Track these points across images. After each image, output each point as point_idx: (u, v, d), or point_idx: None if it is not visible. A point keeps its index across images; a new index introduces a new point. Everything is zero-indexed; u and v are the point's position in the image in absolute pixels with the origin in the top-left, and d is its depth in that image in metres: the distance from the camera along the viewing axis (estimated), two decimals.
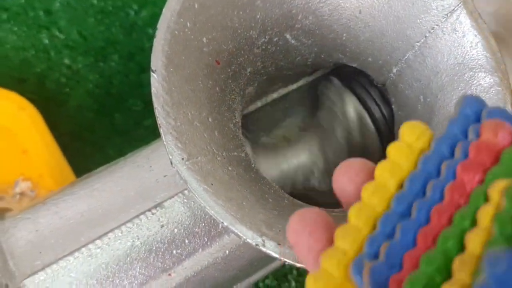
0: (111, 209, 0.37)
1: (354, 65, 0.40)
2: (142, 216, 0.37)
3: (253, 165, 0.35)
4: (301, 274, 0.57)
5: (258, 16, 0.35)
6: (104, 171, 0.39)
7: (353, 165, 0.21)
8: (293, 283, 0.56)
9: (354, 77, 0.44)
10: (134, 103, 0.65)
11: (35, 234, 0.37)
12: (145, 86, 0.65)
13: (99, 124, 0.64)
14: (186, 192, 0.37)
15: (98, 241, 0.36)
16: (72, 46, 0.65)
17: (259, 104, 0.46)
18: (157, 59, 0.31)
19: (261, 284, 0.56)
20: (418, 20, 0.35)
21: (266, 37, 0.36)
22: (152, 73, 0.31)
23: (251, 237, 0.29)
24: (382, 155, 0.21)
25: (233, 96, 0.36)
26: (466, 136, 0.20)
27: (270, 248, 0.29)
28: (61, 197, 0.38)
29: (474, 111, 0.20)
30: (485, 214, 0.17)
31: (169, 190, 0.37)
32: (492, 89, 0.32)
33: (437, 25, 0.34)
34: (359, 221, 0.19)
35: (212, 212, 0.29)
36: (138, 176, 0.38)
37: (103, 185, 0.37)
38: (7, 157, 0.59)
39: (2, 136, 0.59)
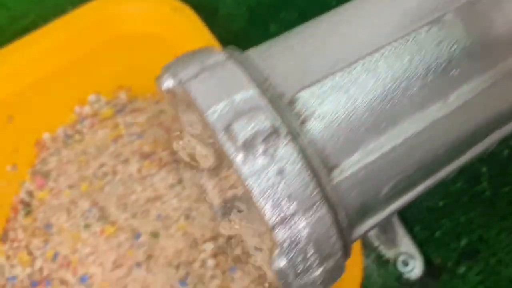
0: (385, 25, 0.34)
1: None
2: (419, 31, 0.33)
3: None
4: None
5: None
6: None
7: None
8: None
9: None
10: (288, 14, 0.62)
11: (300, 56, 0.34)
12: None
13: (253, 33, 0.61)
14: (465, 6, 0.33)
15: (371, 56, 0.33)
16: None
17: None
18: None
19: None
20: None
21: None
22: None
23: None
24: None
25: None
26: None
27: None
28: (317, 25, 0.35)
29: None
30: None
31: (447, 5, 0.33)
32: None
33: None
34: None
35: None
36: None
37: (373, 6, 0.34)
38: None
39: (155, 44, 0.56)
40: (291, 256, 0.31)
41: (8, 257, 0.48)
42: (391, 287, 0.48)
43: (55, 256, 0.48)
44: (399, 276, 0.48)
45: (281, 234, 0.31)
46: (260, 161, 0.30)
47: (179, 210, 0.45)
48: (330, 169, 0.32)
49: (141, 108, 0.52)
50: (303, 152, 0.30)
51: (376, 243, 0.49)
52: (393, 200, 0.36)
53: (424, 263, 0.48)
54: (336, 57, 0.33)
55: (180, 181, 0.46)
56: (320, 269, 0.33)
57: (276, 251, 0.32)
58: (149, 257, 0.44)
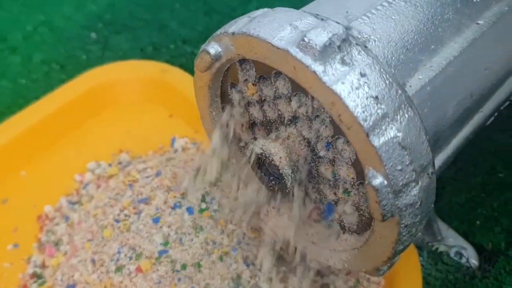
0: None
1: None
2: None
3: None
4: None
5: None
6: None
7: None
8: None
9: None
10: None
11: None
12: None
13: None
14: None
15: None
16: None
17: None
18: None
19: None
20: None
21: None
22: None
23: None
24: None
25: None
26: None
27: None
28: None
29: None
30: None
31: None
32: None
33: None
34: None
35: None
36: None
37: None
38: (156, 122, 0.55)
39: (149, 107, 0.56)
40: (390, 164, 0.29)
41: None
42: (453, 279, 0.45)
43: None
44: (459, 268, 0.45)
45: (376, 140, 0.29)
46: (341, 67, 0.30)
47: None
48: (401, 85, 0.32)
49: (148, 159, 0.50)
50: (376, 59, 0.31)
51: (426, 239, 0.46)
52: (458, 126, 0.36)
53: (476, 252, 0.46)
54: None
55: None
56: (417, 187, 0.31)
57: (370, 170, 0.30)
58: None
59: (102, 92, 0.55)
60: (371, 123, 0.29)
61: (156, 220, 0.42)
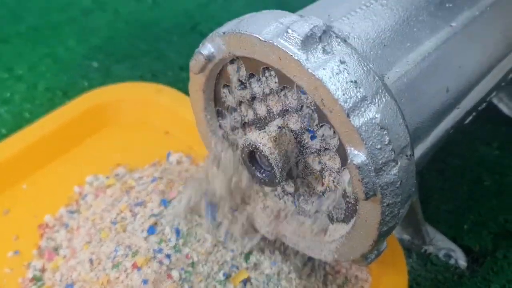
0: None
1: None
2: None
3: None
4: None
5: None
6: None
7: None
8: None
9: None
10: None
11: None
12: None
13: None
14: None
15: None
16: None
17: None
18: None
19: None
20: None
21: None
22: None
23: None
24: None
25: None
26: None
27: None
28: None
29: None
30: None
31: None
32: None
33: None
34: None
35: None
36: None
37: None
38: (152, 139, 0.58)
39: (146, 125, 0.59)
40: (370, 143, 0.32)
41: None
42: (443, 279, 0.46)
43: None
44: (447, 268, 0.46)
45: (356, 120, 0.32)
46: (322, 56, 0.32)
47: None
48: (380, 77, 0.34)
49: (145, 171, 0.52)
50: (355, 50, 0.33)
51: (415, 242, 0.47)
52: (436, 119, 0.38)
53: (464, 253, 0.47)
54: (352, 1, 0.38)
55: None
56: (397, 167, 0.33)
57: (352, 150, 0.32)
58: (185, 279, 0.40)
59: (101, 112, 0.57)
60: (351, 105, 0.32)
61: (152, 220, 0.43)
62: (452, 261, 0.47)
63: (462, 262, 0.47)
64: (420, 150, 0.38)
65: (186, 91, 0.60)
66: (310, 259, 0.44)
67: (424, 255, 0.47)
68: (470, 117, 0.42)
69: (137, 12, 0.79)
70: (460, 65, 0.39)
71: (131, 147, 0.56)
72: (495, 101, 0.60)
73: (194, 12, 0.78)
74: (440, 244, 0.48)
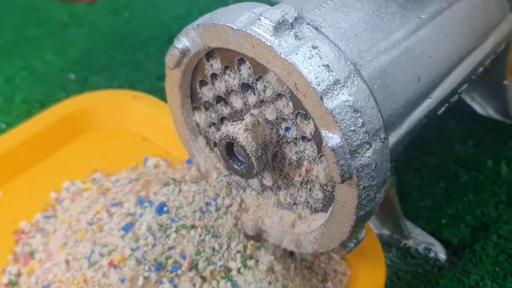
0: None
1: None
2: None
3: None
4: None
5: None
6: None
7: None
8: None
9: None
10: None
11: None
12: None
13: None
14: None
15: None
16: None
17: None
18: None
19: None
20: None
21: None
22: None
23: None
24: None
25: None
26: None
27: None
28: None
29: None
30: None
31: None
32: None
33: None
34: None
35: None
36: None
37: None
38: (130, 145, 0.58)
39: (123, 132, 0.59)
40: (343, 125, 0.32)
41: None
42: (423, 271, 0.46)
43: None
44: (427, 261, 0.46)
45: (330, 103, 0.32)
46: (294, 41, 0.33)
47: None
48: (353, 63, 0.35)
49: (122, 175, 0.51)
50: (327, 37, 0.34)
51: (394, 236, 0.48)
52: (409, 107, 0.39)
53: (443, 247, 0.48)
54: None
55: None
56: (371, 150, 0.33)
57: (326, 133, 0.32)
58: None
59: (77, 119, 0.57)
60: (324, 87, 0.32)
61: (128, 219, 0.43)
62: (431, 254, 0.47)
63: (442, 255, 0.47)
64: (394, 137, 0.38)
65: (163, 100, 0.61)
66: (290, 254, 0.44)
67: (403, 249, 0.47)
68: (443, 108, 0.43)
69: (114, 25, 0.79)
70: (430, 55, 0.40)
71: (108, 153, 0.56)
72: (468, 101, 0.61)
73: (171, 24, 0.78)
74: (420, 238, 0.48)
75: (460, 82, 0.44)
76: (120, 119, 0.58)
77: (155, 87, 0.68)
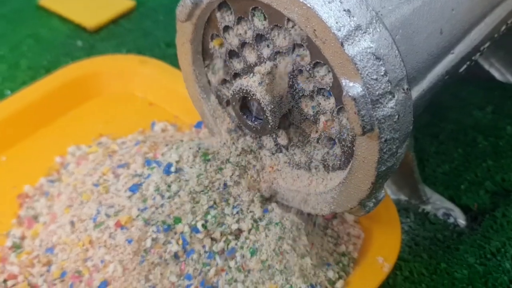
0: None
1: None
2: None
3: None
4: None
5: None
6: None
7: None
8: None
9: None
10: None
11: None
12: None
13: None
14: None
15: None
16: None
17: None
18: None
19: None
20: None
21: None
22: None
23: None
24: None
25: None
26: None
27: None
28: None
29: None
30: None
31: None
32: None
33: None
34: None
35: None
36: None
37: None
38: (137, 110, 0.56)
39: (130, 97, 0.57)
40: (365, 73, 0.30)
41: None
42: (442, 237, 0.44)
43: (62, 275, 0.39)
44: (446, 227, 0.45)
45: (351, 49, 0.30)
46: None
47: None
48: (376, 12, 0.33)
49: (128, 139, 0.50)
50: None
51: (412, 201, 0.46)
52: (431, 61, 0.37)
53: (463, 212, 0.46)
54: None
55: None
56: (394, 100, 0.31)
57: (347, 82, 0.31)
58: None
59: (84, 83, 0.55)
60: (345, 33, 0.30)
61: (136, 180, 0.42)
62: (451, 220, 0.46)
63: (461, 220, 0.46)
64: (416, 92, 0.36)
65: (173, 66, 0.60)
66: (304, 216, 0.42)
67: (422, 215, 0.46)
68: (465, 66, 0.41)
69: None
70: (452, 7, 0.38)
71: (114, 118, 0.54)
72: (486, 67, 0.59)
73: None
74: (438, 204, 0.47)
75: (482, 39, 0.41)
76: (127, 84, 0.56)
77: (164, 54, 0.66)
